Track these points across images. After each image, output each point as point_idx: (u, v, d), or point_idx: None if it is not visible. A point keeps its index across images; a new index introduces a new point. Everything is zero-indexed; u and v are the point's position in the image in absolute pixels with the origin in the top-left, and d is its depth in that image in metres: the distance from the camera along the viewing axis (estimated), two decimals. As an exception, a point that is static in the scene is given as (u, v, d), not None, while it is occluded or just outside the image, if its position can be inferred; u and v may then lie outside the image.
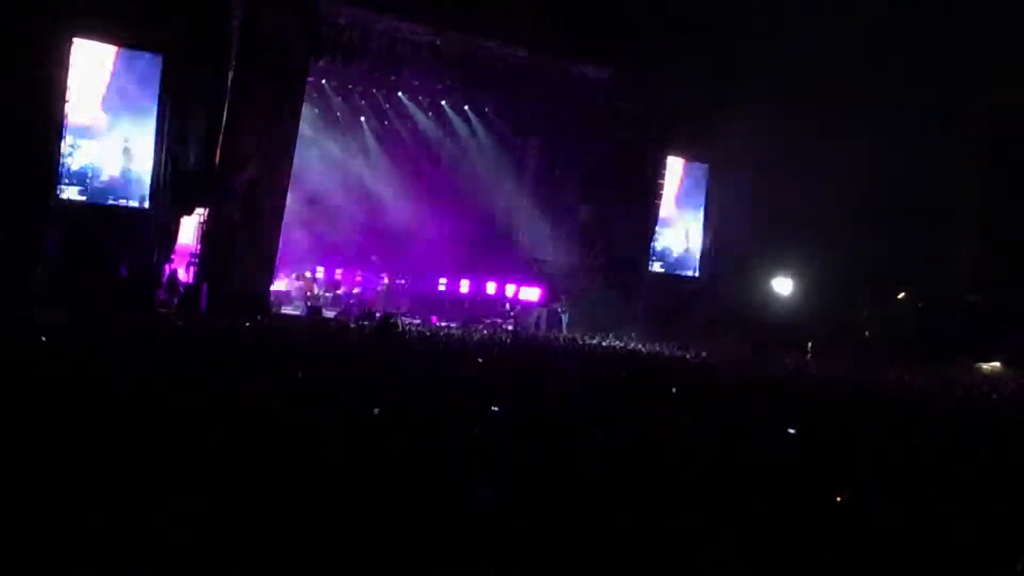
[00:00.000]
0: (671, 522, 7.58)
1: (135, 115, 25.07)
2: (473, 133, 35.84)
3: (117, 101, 24.88)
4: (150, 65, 25.01)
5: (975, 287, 36.16)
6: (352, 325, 26.81)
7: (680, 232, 35.27)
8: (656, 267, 34.84)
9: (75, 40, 23.94)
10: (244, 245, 26.26)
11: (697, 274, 35.59)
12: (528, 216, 36.34)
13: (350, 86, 33.60)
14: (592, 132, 33.58)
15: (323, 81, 32.20)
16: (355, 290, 33.77)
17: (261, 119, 26.28)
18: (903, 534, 7.89)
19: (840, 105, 32.55)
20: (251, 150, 26.17)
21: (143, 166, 25.23)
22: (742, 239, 34.41)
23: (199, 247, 26.25)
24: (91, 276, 23.65)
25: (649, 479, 8.66)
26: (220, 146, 25.62)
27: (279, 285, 30.56)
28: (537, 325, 32.59)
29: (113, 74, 24.70)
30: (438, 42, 29.46)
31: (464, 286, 34.64)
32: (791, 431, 12.14)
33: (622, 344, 28.15)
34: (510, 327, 31.23)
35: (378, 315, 27.38)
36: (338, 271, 34.28)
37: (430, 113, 35.48)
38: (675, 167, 34.76)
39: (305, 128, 30.33)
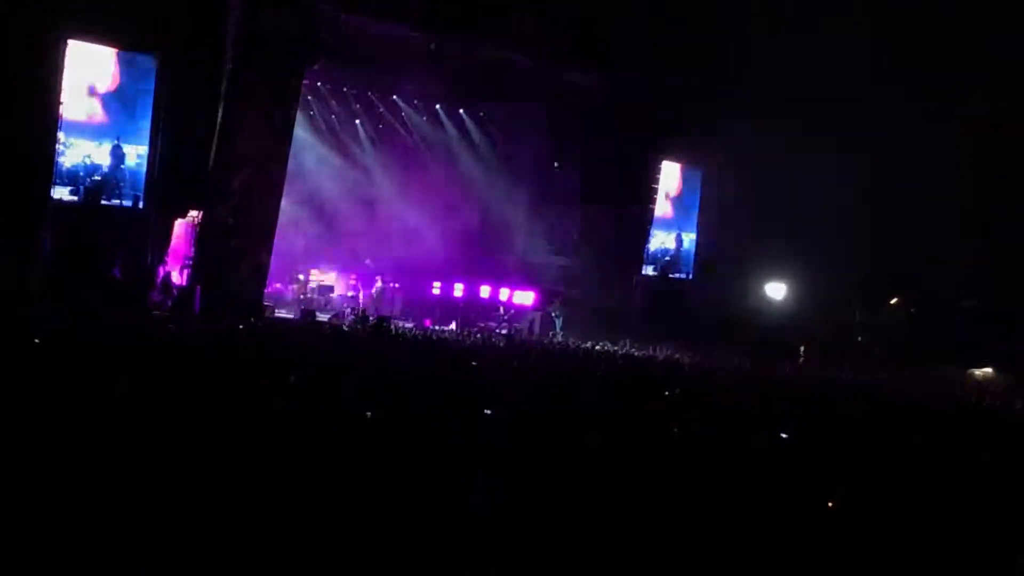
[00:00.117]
0: (669, 523, 7.61)
1: (130, 116, 25.05)
2: (468, 137, 35.86)
3: (112, 102, 24.85)
4: (146, 66, 24.99)
5: (968, 292, 36.21)
6: (346, 328, 26.80)
7: (672, 234, 35.27)
8: (648, 270, 34.85)
9: (70, 41, 23.91)
10: (238, 247, 26.24)
11: (691, 276, 35.60)
12: (523, 220, 36.36)
13: (346, 89, 33.61)
14: (587, 137, 33.62)
15: (319, 84, 32.21)
16: (349, 293, 33.78)
17: (256, 121, 26.26)
18: (899, 535, 7.92)
19: (835, 111, 32.59)
20: (246, 152, 26.13)
21: (136, 166, 25.16)
22: (736, 243, 34.45)
23: (193, 249, 26.22)
24: (84, 277, 23.62)
25: (646, 481, 8.69)
26: (215, 148, 25.60)
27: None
28: (531, 329, 32.59)
29: (108, 75, 24.67)
30: (434, 46, 29.45)
31: (458, 290, 34.63)
32: (784, 435, 12.18)
33: (616, 348, 28.15)
34: (504, 331, 31.24)
35: (372, 318, 27.37)
36: (332, 274, 34.28)
37: (426, 117, 35.49)
38: (669, 171, 34.80)
39: (300, 131, 30.34)
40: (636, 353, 26.99)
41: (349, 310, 31.05)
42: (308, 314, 29.05)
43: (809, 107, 32.37)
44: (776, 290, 35.76)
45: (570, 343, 28.32)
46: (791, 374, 25.06)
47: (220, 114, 25.58)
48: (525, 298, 34.36)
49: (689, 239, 35.60)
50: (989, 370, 32.22)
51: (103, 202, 24.85)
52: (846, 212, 33.89)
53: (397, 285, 34.17)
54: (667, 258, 35.15)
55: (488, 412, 11.49)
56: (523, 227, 36.42)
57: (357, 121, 35.27)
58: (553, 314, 33.22)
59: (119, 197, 25.11)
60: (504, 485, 7.97)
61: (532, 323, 33.13)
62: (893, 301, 36.97)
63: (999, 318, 34.49)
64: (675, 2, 31.47)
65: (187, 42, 24.97)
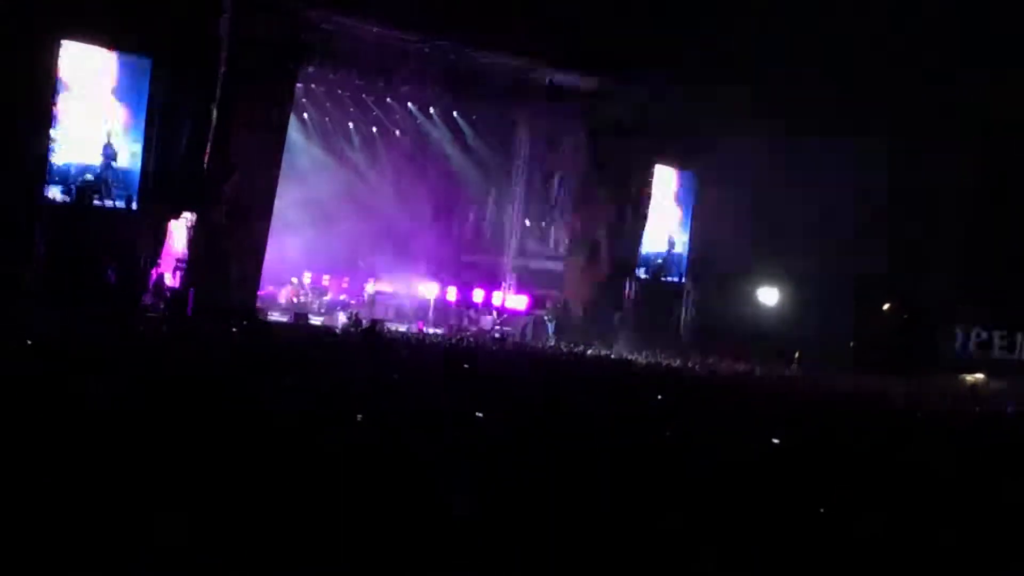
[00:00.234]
0: (658, 526, 7.62)
1: (123, 117, 25.00)
2: (462, 140, 35.86)
3: (104, 103, 24.80)
4: (139, 68, 24.95)
5: (961, 299, 36.25)
6: (338, 331, 26.81)
7: (664, 237, 35.25)
8: (640, 272, 34.83)
9: (64, 42, 23.88)
10: (232, 250, 26.22)
11: (683, 280, 35.59)
12: (516, 224, 36.38)
13: (339, 92, 33.61)
14: (580, 140, 33.64)
15: (312, 86, 32.21)
16: (342, 296, 33.78)
17: (249, 124, 26.24)
18: (889, 540, 7.94)
19: (831, 116, 32.63)
20: (240, 155, 26.11)
21: (129, 165, 25.10)
22: (728, 247, 34.43)
23: (186, 252, 26.19)
24: (77, 279, 23.57)
25: (636, 484, 8.70)
26: (209, 150, 25.57)
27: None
28: (524, 333, 32.60)
29: (101, 76, 24.63)
30: (427, 49, 29.49)
31: (451, 293, 34.64)
32: (775, 440, 12.19)
33: (608, 352, 28.20)
34: (497, 335, 31.26)
35: (365, 322, 27.38)
36: (325, 277, 34.29)
37: (419, 120, 35.50)
38: (662, 175, 34.80)
39: (294, 133, 30.34)
40: (628, 357, 27.04)
41: (342, 313, 31.06)
42: (301, 317, 29.05)
43: (805, 112, 32.40)
44: (769, 295, 35.78)
45: (562, 347, 28.36)
46: (783, 379, 25.08)
47: (214, 116, 25.56)
48: (518, 302, 34.37)
49: (681, 242, 35.56)
50: (980, 376, 32.29)
51: (95, 203, 24.75)
52: (840, 217, 33.92)
53: (390, 288, 34.17)
54: (659, 261, 35.11)
55: (480, 415, 11.51)
56: (516, 231, 36.43)
57: (351, 124, 35.29)
58: (546, 318, 33.25)
59: (111, 197, 25.02)
60: (492, 487, 7.97)
61: (525, 327, 33.14)
62: (886, 307, 36.99)
63: (990, 325, 34.56)
64: (669, 5, 31.47)
65: (181, 44, 24.89)
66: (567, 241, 34.76)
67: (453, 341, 26.68)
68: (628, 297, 33.71)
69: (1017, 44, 30.98)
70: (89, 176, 24.65)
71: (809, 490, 9.45)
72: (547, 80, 32.03)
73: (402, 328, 29.53)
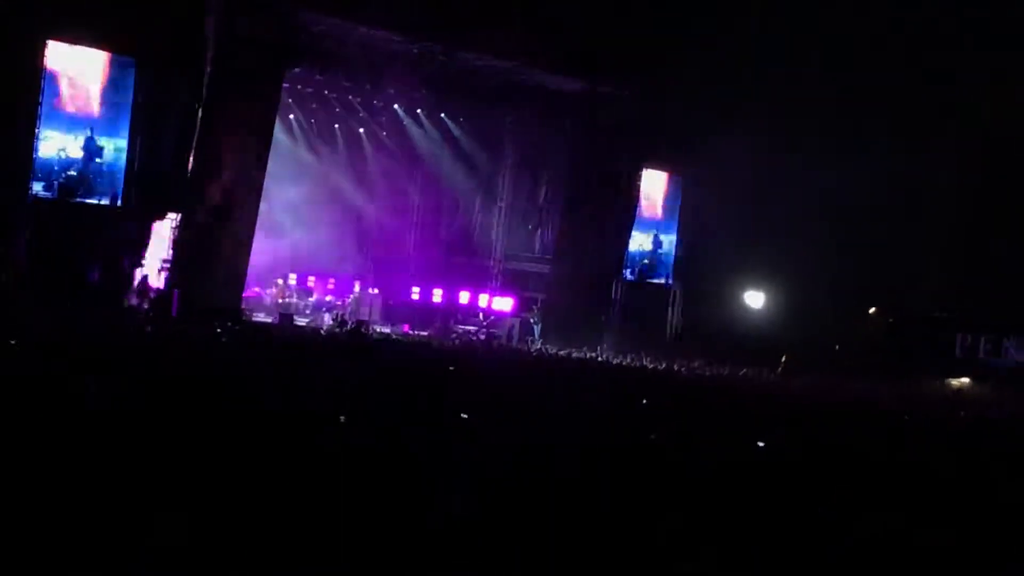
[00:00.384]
0: (644, 528, 7.61)
1: (110, 110, 24.86)
2: (449, 142, 35.82)
3: (88, 100, 24.68)
4: (125, 68, 24.86)
5: (946, 304, 36.38)
6: (323, 332, 26.76)
7: (650, 235, 35.24)
8: (626, 273, 34.79)
9: (50, 43, 23.78)
10: (216, 251, 26.13)
11: (670, 282, 35.60)
12: (503, 226, 36.35)
13: (326, 93, 33.54)
14: (569, 143, 33.64)
15: (299, 88, 32.13)
16: (327, 297, 33.72)
17: (236, 125, 26.16)
18: (873, 544, 7.94)
19: (818, 121, 32.74)
20: (226, 156, 26.03)
21: (114, 160, 24.96)
22: (715, 250, 34.51)
23: (171, 252, 26.09)
24: (60, 278, 23.45)
25: (622, 486, 8.69)
26: (194, 151, 25.49)
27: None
28: (510, 335, 32.58)
29: (86, 74, 24.53)
30: (415, 51, 29.44)
31: (437, 295, 34.60)
32: (760, 444, 12.20)
33: (594, 355, 28.20)
34: (483, 336, 31.23)
35: (350, 323, 27.34)
36: (311, 278, 34.23)
37: (406, 121, 35.45)
38: (651, 179, 34.83)
39: (280, 134, 30.27)
40: (614, 361, 27.04)
41: (327, 315, 31.02)
42: (286, 318, 28.99)
43: (792, 118, 32.50)
44: (755, 298, 35.84)
45: (547, 350, 28.34)
46: (769, 383, 25.10)
47: (199, 117, 25.48)
48: (504, 304, 34.35)
49: (668, 241, 35.55)
50: (966, 380, 32.38)
51: (78, 199, 24.60)
52: (826, 222, 34.02)
53: (376, 290, 34.13)
54: (644, 261, 35.11)
55: (464, 416, 11.50)
56: (503, 233, 36.41)
57: (337, 125, 35.23)
58: (532, 320, 33.23)
59: (94, 195, 24.88)
60: (481, 487, 7.96)
61: (511, 329, 33.12)
62: (871, 311, 37.09)
63: (975, 329, 34.66)
64: (659, 10, 31.50)
65: (167, 45, 24.82)
66: (554, 243, 34.73)
67: (437, 343, 26.65)
68: (614, 299, 33.71)
69: (1011, 46, 31.15)
70: (72, 172, 24.51)
71: (795, 492, 9.45)
72: (535, 82, 32.03)
73: (386, 330, 29.49)
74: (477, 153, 36.04)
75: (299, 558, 6.53)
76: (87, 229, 24.55)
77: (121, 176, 24.99)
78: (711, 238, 34.46)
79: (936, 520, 8.77)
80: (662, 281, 35.58)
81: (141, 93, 24.85)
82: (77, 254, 24.27)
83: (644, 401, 16.52)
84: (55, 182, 24.25)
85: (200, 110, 25.42)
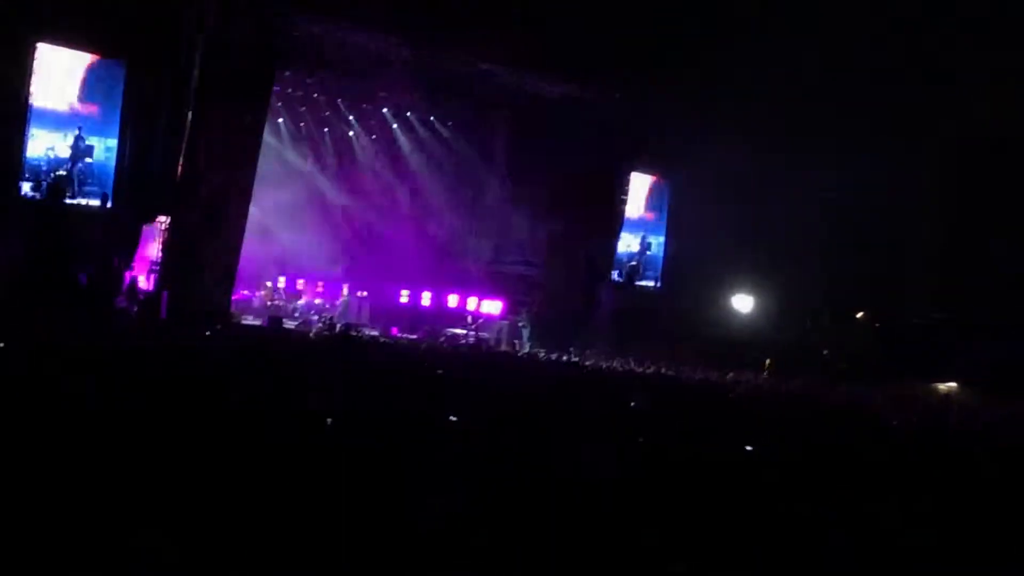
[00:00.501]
0: (632, 532, 7.64)
1: (96, 114, 24.84)
2: (438, 145, 35.83)
3: (77, 100, 24.65)
4: (115, 70, 24.84)
5: (934, 307, 36.46)
6: (312, 335, 26.75)
7: (638, 237, 35.29)
8: (614, 275, 34.83)
9: (39, 45, 23.75)
10: (205, 254, 26.11)
11: (658, 284, 35.65)
12: (491, 230, 36.38)
13: (315, 96, 33.56)
14: (557, 147, 33.67)
15: (288, 91, 32.14)
16: (316, 300, 33.70)
17: (225, 128, 26.13)
18: (858, 551, 7.97)
19: (805, 126, 32.82)
20: (215, 158, 26.00)
21: (104, 160, 24.92)
22: (703, 254, 34.57)
23: (160, 255, 26.08)
24: (49, 280, 23.40)
25: (609, 490, 8.72)
26: (183, 153, 25.47)
27: None
28: (498, 338, 32.60)
29: (75, 76, 24.50)
30: (404, 54, 29.46)
31: (426, 298, 34.62)
32: (748, 448, 12.23)
33: (582, 358, 28.22)
34: (472, 340, 31.25)
35: (339, 326, 27.34)
36: (300, 281, 34.21)
37: (395, 125, 35.48)
38: (638, 182, 34.89)
39: (269, 137, 30.25)
40: (602, 364, 27.07)
41: (316, 318, 31.01)
42: (275, 321, 28.98)
43: (779, 122, 32.59)
44: (743, 302, 35.91)
45: (536, 353, 28.37)
46: (755, 386, 25.13)
47: (189, 119, 25.46)
48: (493, 307, 34.37)
49: (657, 242, 35.60)
50: (954, 385, 32.43)
51: (68, 200, 24.53)
52: (813, 226, 34.12)
53: (364, 293, 34.12)
54: (632, 263, 35.15)
55: (453, 419, 11.51)
56: (492, 236, 36.43)
57: (326, 128, 35.23)
58: (520, 324, 33.26)
59: (84, 195, 24.82)
60: (466, 491, 7.98)
61: (500, 332, 33.15)
62: (859, 315, 37.16)
63: (964, 333, 34.74)
64: (647, 15, 31.55)
65: (156, 48, 24.82)
66: (543, 247, 34.75)
67: (425, 346, 26.65)
68: (603, 302, 33.75)
69: (990, 51, 31.27)
70: (61, 172, 24.45)
71: (781, 498, 9.48)
72: (523, 86, 32.08)
73: (375, 332, 29.51)
74: (465, 156, 36.06)
75: (290, 561, 6.55)
76: (76, 231, 24.51)
77: (111, 177, 24.96)
78: (699, 241, 34.53)
79: (920, 523, 8.81)
80: (651, 284, 35.62)
81: (130, 96, 24.85)
82: (66, 256, 24.22)
83: (632, 404, 16.56)
84: (43, 182, 24.19)
85: (190, 113, 25.42)
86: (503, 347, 30.99)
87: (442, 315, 34.50)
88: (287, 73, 29.22)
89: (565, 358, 27.51)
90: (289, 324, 29.80)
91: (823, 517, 8.75)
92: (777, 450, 12.45)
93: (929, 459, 13.19)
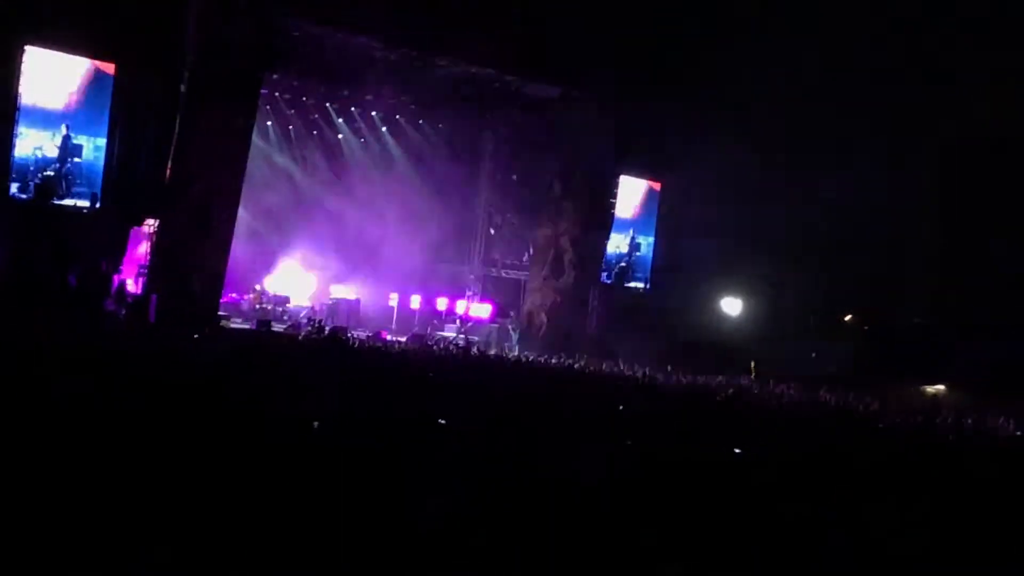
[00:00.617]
0: (623, 536, 7.64)
1: (89, 109, 24.74)
2: (427, 148, 35.83)
3: (66, 102, 24.57)
4: (104, 74, 24.77)
5: (923, 312, 36.56)
6: (301, 338, 26.69)
7: (627, 238, 35.28)
8: (603, 276, 34.80)
9: (27, 48, 23.68)
10: (194, 256, 26.05)
11: (648, 287, 35.64)
12: (481, 233, 36.40)
13: (304, 99, 33.54)
14: (546, 150, 33.69)
15: (276, 93, 32.11)
16: (305, 303, 33.66)
17: (214, 130, 26.07)
18: (850, 552, 7.98)
19: (798, 130, 32.89)
20: (204, 161, 25.95)
21: (94, 159, 24.81)
22: (693, 257, 34.58)
23: (149, 257, 26.02)
24: (38, 282, 23.32)
25: (599, 493, 8.72)
26: (172, 156, 25.42)
27: None
28: (487, 342, 32.58)
29: (64, 78, 24.42)
30: (393, 57, 29.45)
31: (415, 301, 34.61)
32: (737, 451, 12.25)
33: (571, 362, 28.19)
34: (461, 343, 31.21)
35: (327, 329, 27.28)
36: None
37: (384, 127, 35.47)
38: (628, 185, 34.89)
39: (258, 140, 30.22)
40: (591, 368, 27.05)
41: (305, 320, 30.95)
42: (264, 324, 28.92)
43: (773, 124, 32.64)
44: (731, 305, 35.95)
45: (526, 356, 28.33)
46: (744, 390, 25.15)
47: (178, 122, 25.42)
48: (482, 311, 34.37)
49: (646, 243, 35.59)
50: (942, 387, 32.50)
51: (56, 201, 24.42)
52: (803, 230, 34.16)
53: (354, 296, 34.10)
54: (621, 264, 35.14)
55: (443, 421, 11.51)
56: (481, 239, 36.45)
57: (315, 131, 35.20)
58: (510, 327, 33.25)
59: (73, 196, 24.71)
60: (457, 493, 7.98)
61: (489, 335, 33.14)
62: (847, 318, 37.24)
63: (962, 334, 34.82)
64: (638, 19, 31.59)
65: (146, 50, 24.76)
66: (532, 250, 34.76)
67: (415, 349, 26.61)
68: (592, 305, 33.76)
69: (990, 51, 31.38)
70: (49, 172, 24.32)
71: (770, 500, 9.49)
72: (512, 89, 32.10)
73: (365, 334, 29.47)
74: (454, 159, 36.07)
75: (290, 561, 6.55)
76: (64, 233, 24.42)
77: (100, 177, 24.84)
78: (688, 244, 34.54)
79: (909, 524, 8.83)
80: (640, 285, 35.59)
81: (120, 98, 24.77)
82: (54, 259, 24.13)
83: (621, 408, 16.56)
84: (31, 183, 24.06)
85: (179, 115, 25.37)
86: (492, 350, 30.95)
87: (432, 318, 34.49)
88: (275, 76, 29.19)
89: (554, 361, 27.48)
90: (278, 327, 29.74)
91: (819, 517, 8.76)
92: (764, 452, 12.46)
93: (920, 460, 13.22)
